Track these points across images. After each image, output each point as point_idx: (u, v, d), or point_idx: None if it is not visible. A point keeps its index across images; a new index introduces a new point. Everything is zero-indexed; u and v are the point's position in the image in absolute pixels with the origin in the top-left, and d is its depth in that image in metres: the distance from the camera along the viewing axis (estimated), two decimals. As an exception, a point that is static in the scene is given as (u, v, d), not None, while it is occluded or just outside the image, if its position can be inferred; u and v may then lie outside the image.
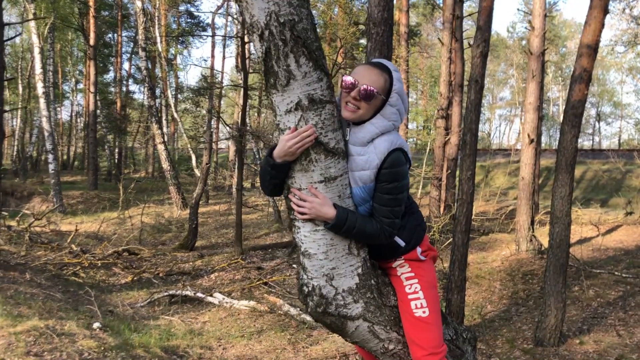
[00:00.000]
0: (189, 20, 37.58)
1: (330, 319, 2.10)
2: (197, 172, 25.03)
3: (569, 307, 9.02)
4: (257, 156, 20.40)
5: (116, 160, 36.39)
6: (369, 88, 2.06)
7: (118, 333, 6.39)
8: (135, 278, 11.33)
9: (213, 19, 34.06)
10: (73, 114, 48.19)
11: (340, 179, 2.06)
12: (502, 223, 16.74)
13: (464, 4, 18.32)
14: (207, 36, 33.99)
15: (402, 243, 2.20)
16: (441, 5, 22.76)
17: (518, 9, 52.97)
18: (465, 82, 16.31)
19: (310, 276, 2.08)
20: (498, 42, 55.57)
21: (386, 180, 2.08)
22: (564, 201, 7.18)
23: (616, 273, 10.77)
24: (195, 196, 15.16)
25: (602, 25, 7.08)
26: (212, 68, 33.55)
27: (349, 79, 2.09)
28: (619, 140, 63.04)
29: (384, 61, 2.21)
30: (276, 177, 2.09)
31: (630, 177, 29.43)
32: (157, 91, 32.45)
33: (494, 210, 20.69)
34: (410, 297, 2.16)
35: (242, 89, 15.38)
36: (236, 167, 15.08)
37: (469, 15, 23.46)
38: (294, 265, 12.68)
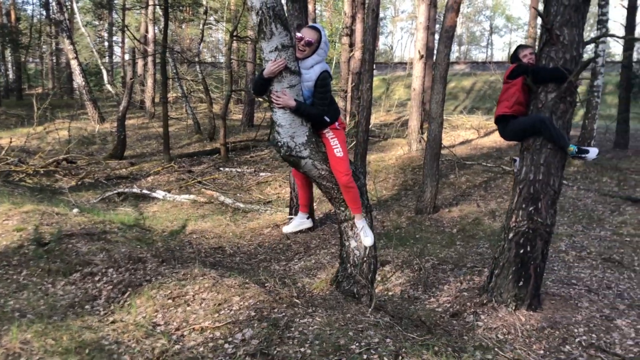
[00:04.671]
0: None
1: (292, 159, 3.97)
2: (109, 88, 25.33)
3: (444, 190, 11.62)
4: (174, 71, 21.28)
5: (14, 76, 35.14)
6: (310, 40, 3.85)
7: (97, 215, 8.04)
8: (79, 182, 12.65)
9: None
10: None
11: (298, 86, 3.83)
12: (398, 129, 19.16)
13: None
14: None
15: (328, 119, 4.05)
16: None
17: None
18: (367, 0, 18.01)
19: (282, 137, 3.89)
20: (400, -45, 56.93)
21: (319, 86, 3.88)
22: (438, 105, 9.41)
23: (484, 164, 13.54)
24: (122, 109, 16.25)
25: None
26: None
27: (299, 34, 3.85)
28: (509, 52, 67.58)
29: (318, 25, 3.96)
30: (264, 85, 3.82)
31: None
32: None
33: (393, 119, 23.10)
34: (332, 145, 4.03)
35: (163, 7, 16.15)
36: (162, 82, 16.17)
37: None
38: (221, 169, 14.47)
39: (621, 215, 9.40)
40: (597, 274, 6.80)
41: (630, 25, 14.75)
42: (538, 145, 5.05)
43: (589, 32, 43.96)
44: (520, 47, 5.43)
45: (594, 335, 4.85)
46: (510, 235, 5.29)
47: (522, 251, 5.22)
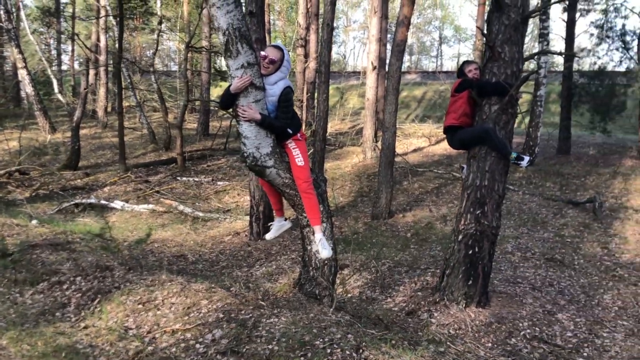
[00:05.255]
0: None
1: (257, 168, 4.22)
2: (60, 97, 24.85)
3: (398, 196, 12.05)
4: (128, 80, 21.14)
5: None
6: (273, 58, 4.12)
7: (57, 225, 8.06)
8: (33, 194, 12.49)
9: None
10: None
11: (262, 101, 4.08)
12: (353, 138, 19.60)
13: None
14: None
15: (291, 131, 4.32)
16: None
17: None
18: (321, 12, 18.43)
19: (247, 148, 4.14)
20: (351, -35, 57.81)
21: (283, 101, 4.14)
22: (391, 115, 9.82)
23: (435, 171, 14.08)
24: (76, 119, 16.07)
25: (418, -16, 9.51)
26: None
27: (263, 53, 4.11)
28: (457, 62, 69.48)
29: (280, 45, 4.24)
30: (231, 100, 4.06)
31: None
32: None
33: (348, 128, 23.56)
34: (294, 155, 4.30)
35: (117, 18, 16.10)
36: (117, 91, 16.06)
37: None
38: (178, 178, 14.53)
39: (563, 217, 10.01)
40: (540, 273, 7.29)
41: (570, 38, 15.63)
42: (483, 153, 5.46)
43: (533, 44, 45.85)
44: (465, 62, 5.86)
45: (537, 328, 5.27)
46: (460, 237, 5.68)
47: (470, 252, 5.62)
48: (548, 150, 15.99)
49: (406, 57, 64.96)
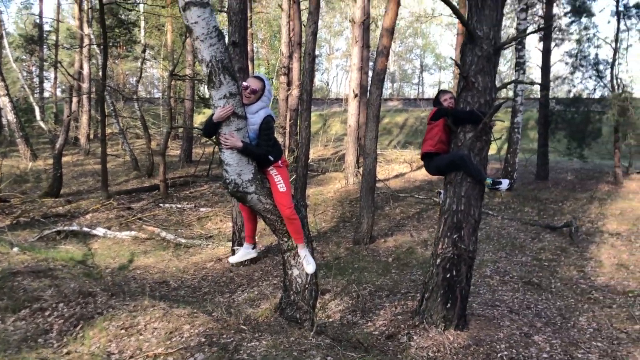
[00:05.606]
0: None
1: (239, 194, 4.33)
2: (42, 125, 24.79)
3: (380, 221, 12.19)
4: (111, 107, 21.21)
5: None
6: (255, 88, 4.29)
7: (38, 253, 8.05)
8: (14, 222, 12.42)
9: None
10: None
11: (244, 129, 4.22)
12: (335, 164, 19.80)
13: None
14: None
15: (272, 158, 4.45)
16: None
17: None
18: (304, 41, 18.74)
19: (229, 175, 4.25)
20: (334, -6, 58.75)
21: (264, 129, 4.29)
22: (372, 142, 10.02)
23: (417, 196, 14.27)
24: (59, 146, 16.05)
25: (396, 14, 9.84)
26: (40, 15, 32.29)
27: (245, 84, 4.27)
28: (438, 89, 70.57)
29: (262, 75, 4.41)
30: (214, 128, 4.20)
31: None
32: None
33: (331, 154, 23.77)
34: (276, 181, 4.43)
35: (101, 47, 16.26)
36: (100, 119, 16.12)
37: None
38: (161, 205, 14.54)
39: (540, 242, 10.21)
40: (518, 296, 7.44)
41: (546, 67, 16.09)
42: (459, 179, 5.64)
43: (512, 72, 46.77)
44: (441, 92, 6.07)
45: (514, 350, 5.39)
46: (438, 261, 5.81)
47: (448, 275, 5.75)
48: (527, 176, 16.30)
49: (388, 85, 66.05)
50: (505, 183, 5.60)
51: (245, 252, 5.16)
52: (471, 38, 5.56)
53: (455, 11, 5.58)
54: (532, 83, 8.54)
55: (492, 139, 5.80)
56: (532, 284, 7.96)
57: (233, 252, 5.56)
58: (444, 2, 5.48)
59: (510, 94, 24.07)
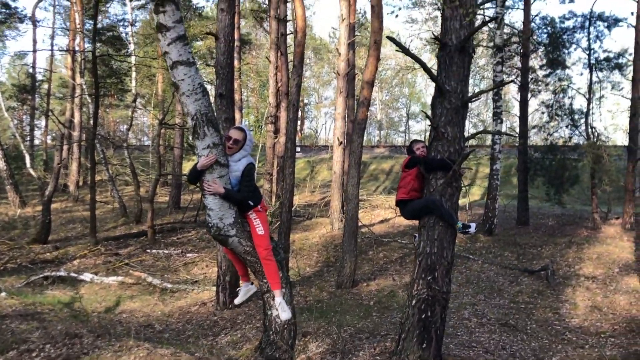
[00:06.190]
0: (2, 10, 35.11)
1: (221, 237, 4.63)
2: (32, 172, 25.01)
3: (363, 265, 12.43)
4: (101, 155, 21.53)
5: None
6: (237, 138, 4.66)
7: (26, 297, 8.20)
8: (1, 268, 12.52)
9: (34, 12, 32.88)
10: None
11: (226, 176, 4.56)
12: (322, 209, 20.10)
13: (287, 23, 21.24)
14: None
15: (252, 203, 4.78)
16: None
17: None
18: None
19: (212, 219, 4.57)
20: (321, 46, 60.27)
21: (246, 175, 4.64)
22: (354, 187, 10.37)
23: (399, 241, 14.55)
24: (48, 193, 16.29)
25: (376, 68, 10.36)
26: (34, 66, 32.86)
27: (228, 134, 4.65)
28: (424, 136, 71.70)
29: (244, 126, 4.79)
30: (197, 175, 4.53)
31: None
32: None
33: (318, 200, 24.10)
34: (255, 225, 4.74)
35: (93, 97, 16.70)
36: (90, 167, 16.42)
37: (291, 33, 26.59)
38: (148, 250, 14.70)
39: (518, 285, 10.48)
40: (494, 337, 7.66)
41: (523, 116, 16.72)
42: (432, 222, 5.96)
43: (489, 120, 47.79)
44: (414, 141, 6.48)
45: (486, 388, 5.60)
46: (413, 302, 6.06)
47: (424, 316, 5.99)
48: (509, 222, 16.67)
49: (375, 132, 67.17)
50: (473, 227, 5.94)
51: (245, 291, 5.43)
52: (440, 92, 5.99)
53: (425, 68, 6.02)
54: (498, 133, 9.00)
55: (462, 185, 6.17)
56: (508, 325, 8.19)
57: (236, 295, 5.80)
58: (415, 60, 5.94)
59: (488, 142, 24.75)
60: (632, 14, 16.05)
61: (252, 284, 5.52)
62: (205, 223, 4.72)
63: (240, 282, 5.53)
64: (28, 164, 25.30)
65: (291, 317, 5.03)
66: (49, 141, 39.95)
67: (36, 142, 38.83)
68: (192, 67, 4.27)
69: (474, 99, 6.39)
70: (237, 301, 5.55)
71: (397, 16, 56.63)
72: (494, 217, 14.95)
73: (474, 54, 6.47)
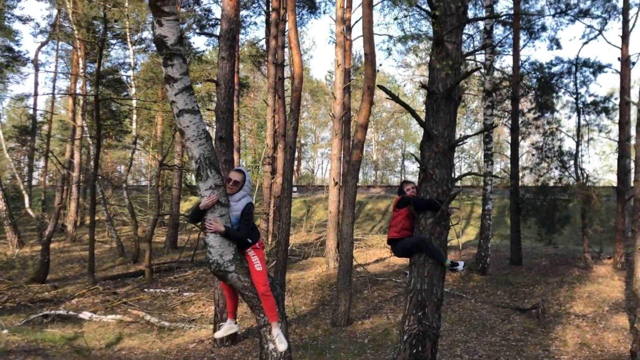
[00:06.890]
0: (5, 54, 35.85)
1: (221, 273, 4.92)
2: (30, 212, 25.22)
3: (358, 304, 12.61)
4: (100, 196, 21.83)
5: None
6: (237, 180, 5.01)
7: (27, 335, 8.38)
8: (0, 307, 12.65)
9: (36, 56, 33.65)
10: None
11: (227, 215, 4.89)
12: (317, 249, 20.32)
13: (284, 67, 21.87)
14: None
15: (250, 241, 5.09)
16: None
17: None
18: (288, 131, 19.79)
19: (212, 256, 4.86)
20: (318, 88, 61.40)
21: (245, 214, 4.98)
22: (348, 227, 10.67)
23: (395, 280, 14.75)
24: (47, 233, 16.50)
25: (369, 112, 10.80)
26: (34, 108, 33.44)
27: (228, 176, 5.00)
28: (419, 177, 72.07)
29: (242, 168, 5.16)
30: (200, 214, 4.86)
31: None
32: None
33: (314, 239, 24.29)
34: (253, 261, 5.03)
35: (95, 139, 17.10)
36: (90, 207, 16.70)
37: (288, 77, 27.29)
38: (146, 289, 14.85)
39: (510, 323, 10.68)
40: (485, 374, 7.85)
41: (514, 158, 17.17)
42: (422, 260, 6.25)
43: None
44: (404, 182, 6.83)
45: (476, 421, 5.79)
46: (405, 337, 6.29)
47: (414, 351, 6.21)
48: (502, 261, 16.90)
49: (371, 172, 67.75)
50: (461, 265, 6.23)
51: (228, 327, 5.67)
52: (428, 137, 6.37)
53: (413, 114, 6.42)
54: (486, 175, 9.37)
55: (450, 224, 6.49)
56: (499, 362, 8.39)
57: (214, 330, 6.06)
58: (405, 107, 6.34)
59: (481, 183, 25.15)
60: (618, 59, 16.71)
61: (236, 322, 5.78)
62: (202, 262, 5.02)
63: (227, 317, 5.80)
64: (27, 204, 25.54)
65: (287, 350, 5.27)
66: (47, 182, 40.31)
67: (34, 182, 39.20)
68: (197, 115, 4.64)
69: (460, 143, 6.77)
70: (217, 335, 5.84)
71: (380, 64, 57.88)
72: (486, 257, 15.20)
73: (460, 101, 6.88)
